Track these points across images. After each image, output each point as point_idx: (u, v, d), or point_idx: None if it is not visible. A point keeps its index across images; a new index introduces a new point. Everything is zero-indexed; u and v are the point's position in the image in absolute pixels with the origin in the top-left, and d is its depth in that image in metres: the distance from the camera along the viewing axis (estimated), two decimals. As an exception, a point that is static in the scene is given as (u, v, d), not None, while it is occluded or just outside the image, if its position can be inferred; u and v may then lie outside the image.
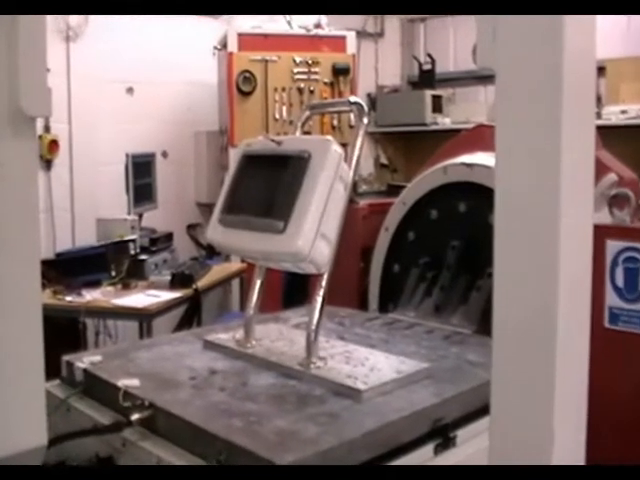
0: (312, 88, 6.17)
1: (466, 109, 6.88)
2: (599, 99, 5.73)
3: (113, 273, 4.70)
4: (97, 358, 2.18)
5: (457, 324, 2.74)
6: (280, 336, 2.37)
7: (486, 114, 6.36)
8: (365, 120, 2.19)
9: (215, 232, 2.16)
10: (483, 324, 2.62)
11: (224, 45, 6.20)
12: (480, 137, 3.04)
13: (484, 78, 6.71)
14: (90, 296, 4.38)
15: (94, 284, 4.57)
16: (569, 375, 1.20)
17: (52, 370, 1.92)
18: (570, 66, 1.14)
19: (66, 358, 2.19)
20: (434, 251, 3.02)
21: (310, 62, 6.17)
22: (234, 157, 2.23)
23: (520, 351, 1.22)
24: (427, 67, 7.27)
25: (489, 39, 1.21)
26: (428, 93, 7.01)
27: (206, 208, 6.50)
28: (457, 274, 2.90)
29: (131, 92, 6.17)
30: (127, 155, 5.29)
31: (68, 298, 4.34)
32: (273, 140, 2.10)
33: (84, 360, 2.16)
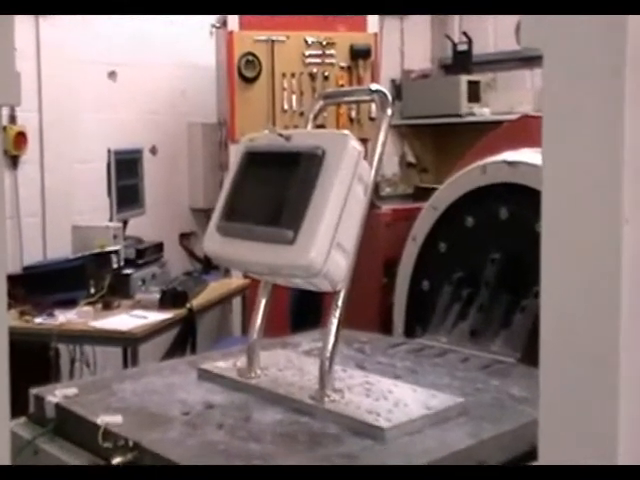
0: (326, 74, 6.19)
1: (509, 97, 6.88)
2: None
3: (92, 290, 4.72)
4: (72, 391, 2.19)
5: (498, 351, 2.73)
6: (289, 364, 2.38)
7: (533, 103, 6.36)
8: (389, 111, 2.19)
9: (213, 242, 2.16)
10: (529, 352, 2.61)
11: (223, 22, 6.24)
12: (526, 130, 3.04)
13: (531, 60, 6.67)
14: (64, 317, 4.39)
15: (69, 303, 4.58)
16: (636, 416, 1.18)
17: (18, 406, 1.92)
18: (637, 42, 1.12)
19: (35, 391, 2.20)
20: (470, 265, 3.02)
21: (324, 43, 6.19)
22: (235, 154, 2.24)
23: (573, 385, 1.20)
24: (462, 48, 7.28)
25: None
26: (463, 79, 7.02)
27: (202, 214, 6.51)
28: (498, 292, 2.90)
29: (114, 76, 6.20)
30: (109, 151, 5.32)
31: (38, 320, 4.36)
32: (281, 135, 2.11)
33: (56, 393, 2.17)
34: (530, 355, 2.54)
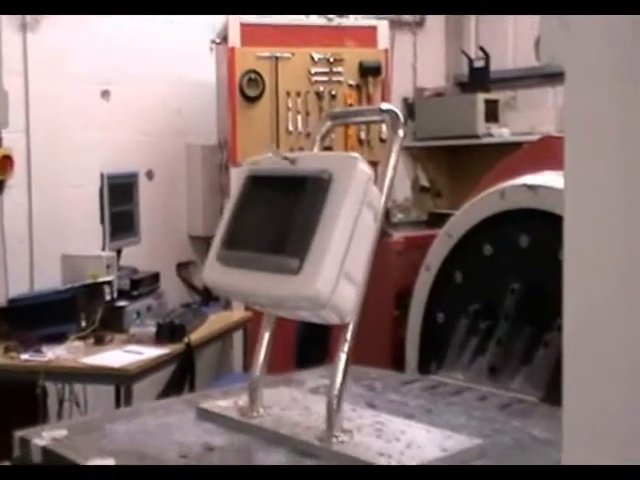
0: (334, 92, 6.23)
1: (530, 116, 6.90)
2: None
3: (83, 324, 4.73)
4: (61, 433, 2.18)
5: (518, 389, 2.73)
6: (293, 403, 2.37)
7: (556, 122, 6.37)
8: (401, 132, 2.20)
9: (213, 272, 2.17)
10: (552, 390, 2.61)
11: (224, 38, 6.28)
12: (548, 152, 3.05)
13: (553, 76, 6.69)
14: (52, 354, 4.39)
15: (58, 338, 4.59)
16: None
17: (2, 449, 1.92)
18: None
19: (20, 434, 2.19)
20: (488, 296, 3.02)
21: (331, 60, 6.23)
22: (237, 178, 2.25)
23: (598, 426, 1.20)
24: (479, 64, 7.32)
25: (556, 26, 1.20)
26: (481, 97, 7.05)
27: (201, 242, 6.53)
28: (518, 325, 2.90)
29: (107, 95, 6.25)
30: (102, 175, 5.35)
31: (24, 356, 4.36)
32: (286, 158, 2.12)
33: (44, 435, 2.16)
34: (553, 394, 2.53)
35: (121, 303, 4.99)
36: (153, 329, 4.69)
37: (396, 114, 2.22)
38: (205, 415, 2.32)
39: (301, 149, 5.86)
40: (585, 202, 1.20)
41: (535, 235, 2.91)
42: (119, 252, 5.45)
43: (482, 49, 7.33)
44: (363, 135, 6.30)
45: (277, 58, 6.10)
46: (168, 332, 4.66)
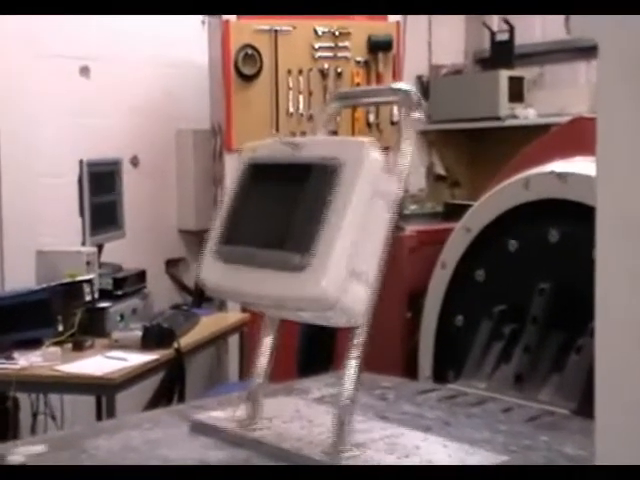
0: (340, 70, 6.24)
1: (559, 96, 6.89)
2: None
3: (60, 328, 4.73)
4: (39, 449, 2.19)
5: (548, 400, 2.74)
6: (297, 414, 2.38)
7: (589, 102, 6.35)
8: (415, 114, 2.21)
9: (210, 269, 2.18)
10: (586, 401, 2.61)
11: (217, 10, 6.28)
12: (580, 135, 3.05)
13: (586, 50, 6.66)
14: (25, 361, 4.39)
15: (31, 344, 4.59)
16: None
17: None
18: None
19: (-7, 450, 2.20)
20: (513, 297, 3.03)
21: (337, 34, 6.23)
22: (233, 167, 2.25)
23: (635, 442, 1.19)
24: (502, 37, 7.30)
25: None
26: (504, 74, 7.05)
27: (192, 237, 6.55)
28: (547, 329, 2.90)
29: (86, 73, 6.23)
30: (81, 162, 5.34)
31: (-7, 364, 4.36)
32: (287, 143, 2.13)
33: (20, 452, 2.16)
34: (587, 405, 2.52)
35: (103, 304, 4.99)
36: (139, 333, 4.69)
37: (409, 94, 2.22)
38: (198, 428, 2.33)
39: (303, 133, 5.87)
40: (619, 191, 1.20)
41: (566, 229, 2.92)
42: (100, 248, 5.45)
43: (506, 21, 7.32)
44: (372, 118, 6.31)
45: (276, 32, 6.10)
46: (155, 336, 4.67)
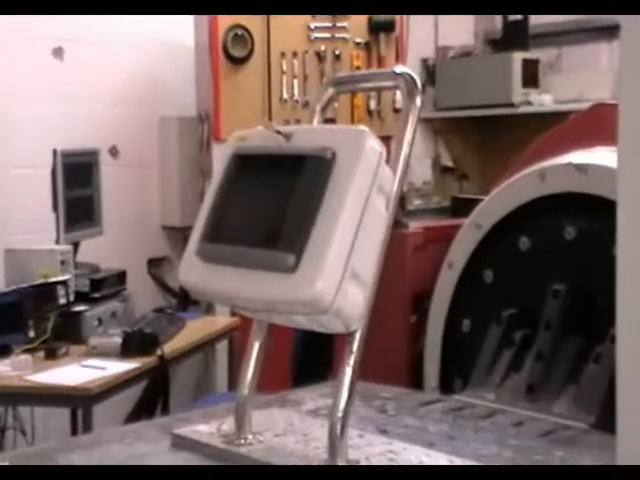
0: (338, 52, 6.23)
1: (578, 80, 6.89)
2: None
3: (31, 334, 4.73)
4: (3, 465, 2.19)
5: (563, 413, 2.74)
6: (289, 428, 2.38)
7: (611, 87, 6.34)
8: (418, 101, 2.20)
9: (192, 270, 2.17)
10: (605, 414, 2.62)
11: (205, -14, 6.28)
12: (600, 123, 3.05)
13: (609, 30, 6.65)
14: (-7, 369, 4.40)
15: (0, 351, 4.58)
16: None
17: None
18: None
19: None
20: (525, 299, 3.03)
21: (335, 13, 6.23)
22: (221, 157, 2.25)
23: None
24: (516, 17, 7.29)
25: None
26: (517, 57, 7.05)
27: (177, 234, 6.55)
28: (562, 335, 2.91)
29: (60, 54, 6.21)
30: (55, 152, 5.34)
31: (-44, 374, 4.36)
32: (279, 132, 2.13)
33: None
34: (606, 419, 2.53)
35: (79, 308, 4.99)
36: (118, 339, 4.69)
37: (413, 79, 2.22)
38: (182, 443, 2.33)
39: (298, 122, 5.87)
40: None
41: (583, 225, 2.92)
42: (76, 246, 5.44)
43: None
44: (373, 105, 6.32)
45: (269, 11, 6.11)
46: (137, 343, 4.67)
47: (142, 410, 4.96)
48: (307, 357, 3.66)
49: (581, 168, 2.89)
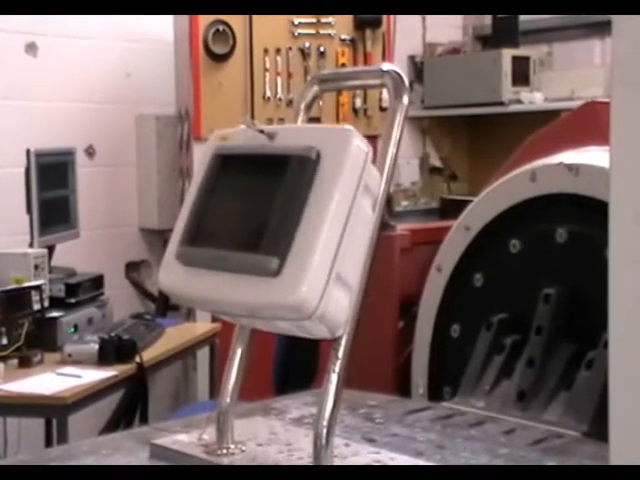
0: (323, 49, 6.23)
1: (570, 78, 6.90)
2: None
3: (3, 341, 4.71)
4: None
5: (555, 421, 2.74)
6: (272, 437, 2.38)
7: (604, 85, 6.36)
8: (406, 99, 2.21)
9: (172, 274, 2.17)
10: (598, 422, 2.62)
11: (184, -20, 6.27)
12: (593, 122, 3.06)
13: (601, 26, 6.67)
14: (-38, 379, 4.38)
15: (-31, 360, 4.57)
16: None
17: None
18: None
19: None
20: (516, 304, 3.03)
21: (319, 8, 6.23)
22: (201, 157, 2.25)
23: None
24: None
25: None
26: (507, 54, 7.06)
27: (156, 237, 6.54)
28: (554, 341, 2.91)
29: (33, 50, 6.20)
30: (28, 152, 5.32)
31: None
32: (262, 131, 2.13)
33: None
34: (599, 427, 2.54)
35: (53, 314, 4.97)
36: (95, 346, 4.67)
37: (400, 76, 2.22)
38: (161, 453, 2.33)
39: (281, 121, 5.87)
40: (636, 185, 1.20)
41: (575, 227, 2.93)
42: (51, 249, 5.42)
43: (509, -5, 7.34)
44: (359, 103, 6.32)
45: (251, 6, 6.11)
46: (114, 350, 4.65)
47: (120, 420, 4.94)
48: (290, 364, 3.66)
49: (573, 168, 2.90)
